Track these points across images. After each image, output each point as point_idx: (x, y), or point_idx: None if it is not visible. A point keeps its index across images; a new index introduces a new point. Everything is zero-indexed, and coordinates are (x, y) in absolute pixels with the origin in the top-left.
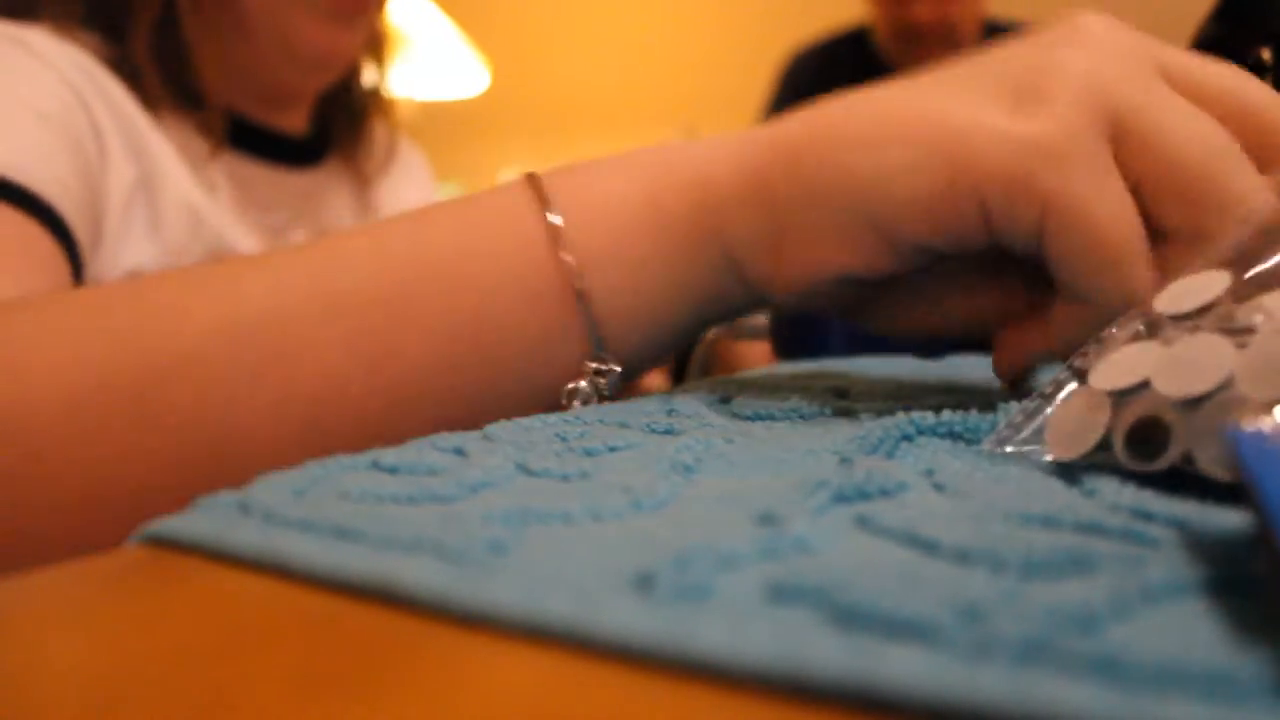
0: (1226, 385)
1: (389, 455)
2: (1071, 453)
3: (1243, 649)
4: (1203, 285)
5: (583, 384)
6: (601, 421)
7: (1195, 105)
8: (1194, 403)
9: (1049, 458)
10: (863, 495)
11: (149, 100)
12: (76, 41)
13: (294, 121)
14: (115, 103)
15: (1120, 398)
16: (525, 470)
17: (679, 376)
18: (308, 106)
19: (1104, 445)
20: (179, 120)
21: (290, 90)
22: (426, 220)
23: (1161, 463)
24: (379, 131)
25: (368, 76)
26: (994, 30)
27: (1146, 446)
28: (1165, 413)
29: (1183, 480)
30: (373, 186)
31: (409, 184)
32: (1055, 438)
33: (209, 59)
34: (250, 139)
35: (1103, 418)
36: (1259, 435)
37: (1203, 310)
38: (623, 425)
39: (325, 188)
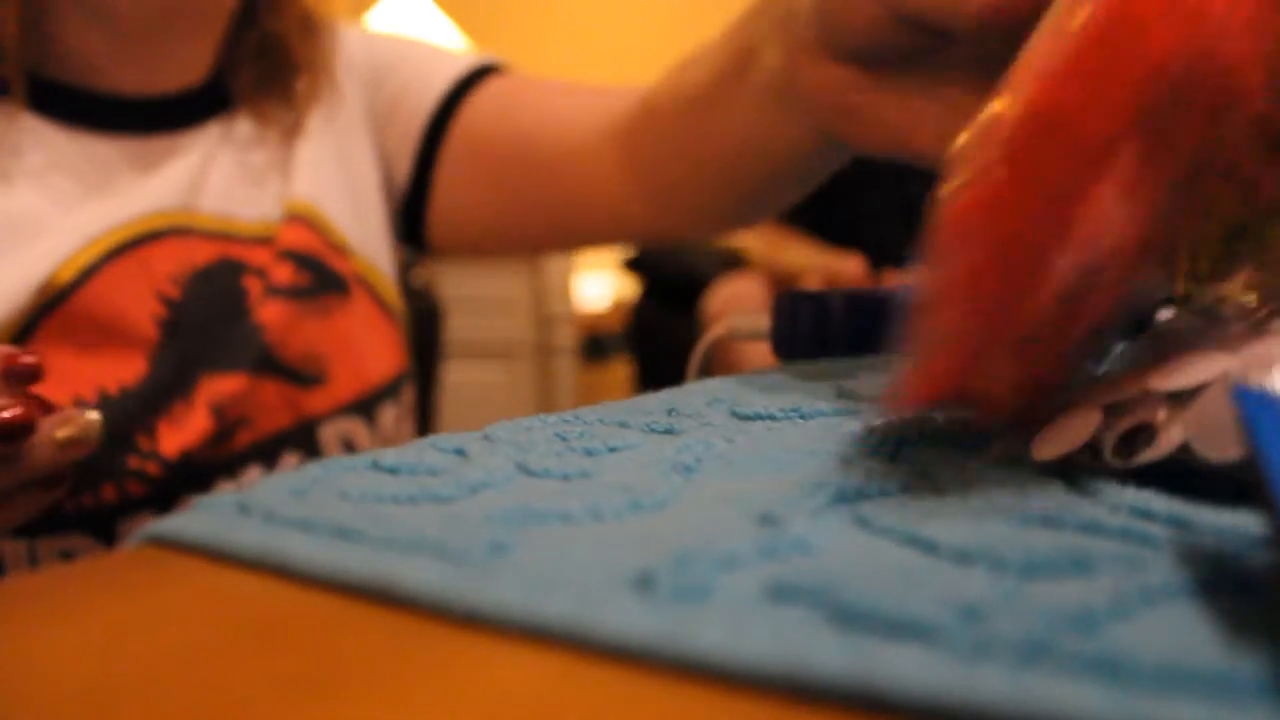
0: (1220, 380)
1: (389, 455)
2: (1055, 451)
3: (1242, 649)
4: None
5: None
6: (601, 421)
7: None
8: (1188, 395)
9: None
10: (862, 495)
11: None
12: None
13: (159, 78)
14: None
15: (1113, 408)
16: (525, 470)
17: (679, 377)
18: (194, 51)
19: (1093, 451)
20: None
21: (147, 29)
22: None
23: (1154, 453)
24: (300, 79)
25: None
26: None
27: (1135, 448)
28: (1157, 414)
29: (1183, 480)
30: (297, 140)
31: (343, 120)
32: (1041, 439)
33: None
34: (70, 104)
35: (1093, 421)
36: (1265, 396)
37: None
38: (623, 425)
39: (187, 149)
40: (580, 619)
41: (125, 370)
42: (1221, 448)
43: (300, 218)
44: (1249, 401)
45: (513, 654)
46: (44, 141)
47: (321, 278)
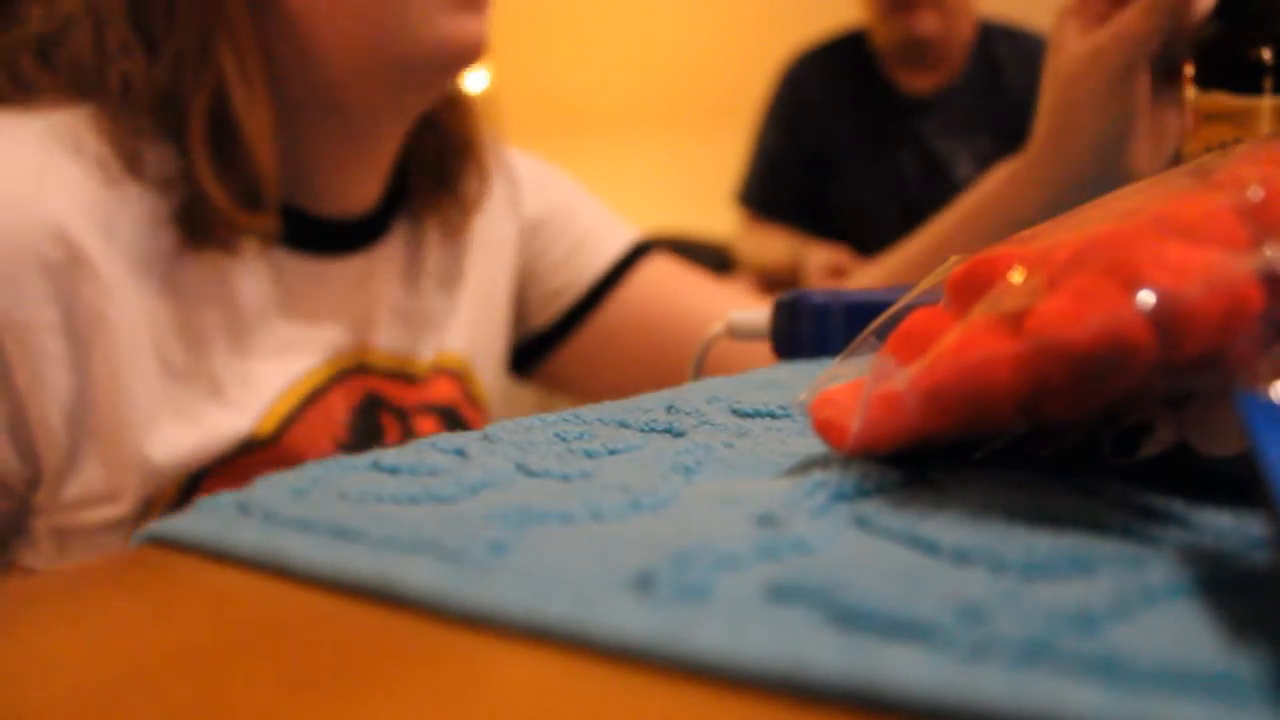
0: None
1: (389, 456)
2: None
3: (1242, 649)
4: None
5: None
6: (601, 421)
7: None
8: (1187, 398)
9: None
10: (862, 495)
11: (202, 223)
12: (108, 178)
13: (362, 194)
14: (72, 285)
15: (1112, 408)
16: (525, 470)
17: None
18: (387, 164)
19: (1093, 450)
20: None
21: (383, 124)
22: None
23: (1153, 448)
24: (471, 180)
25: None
26: (990, 32)
27: (1134, 446)
28: (1156, 415)
29: (1182, 480)
30: (458, 240)
31: (492, 226)
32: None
33: (266, 141)
34: (296, 231)
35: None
36: (1266, 400)
37: None
38: (622, 425)
39: (375, 268)
40: (580, 619)
41: None
42: (1220, 445)
43: (451, 371)
44: (1250, 405)
45: (513, 654)
46: (267, 269)
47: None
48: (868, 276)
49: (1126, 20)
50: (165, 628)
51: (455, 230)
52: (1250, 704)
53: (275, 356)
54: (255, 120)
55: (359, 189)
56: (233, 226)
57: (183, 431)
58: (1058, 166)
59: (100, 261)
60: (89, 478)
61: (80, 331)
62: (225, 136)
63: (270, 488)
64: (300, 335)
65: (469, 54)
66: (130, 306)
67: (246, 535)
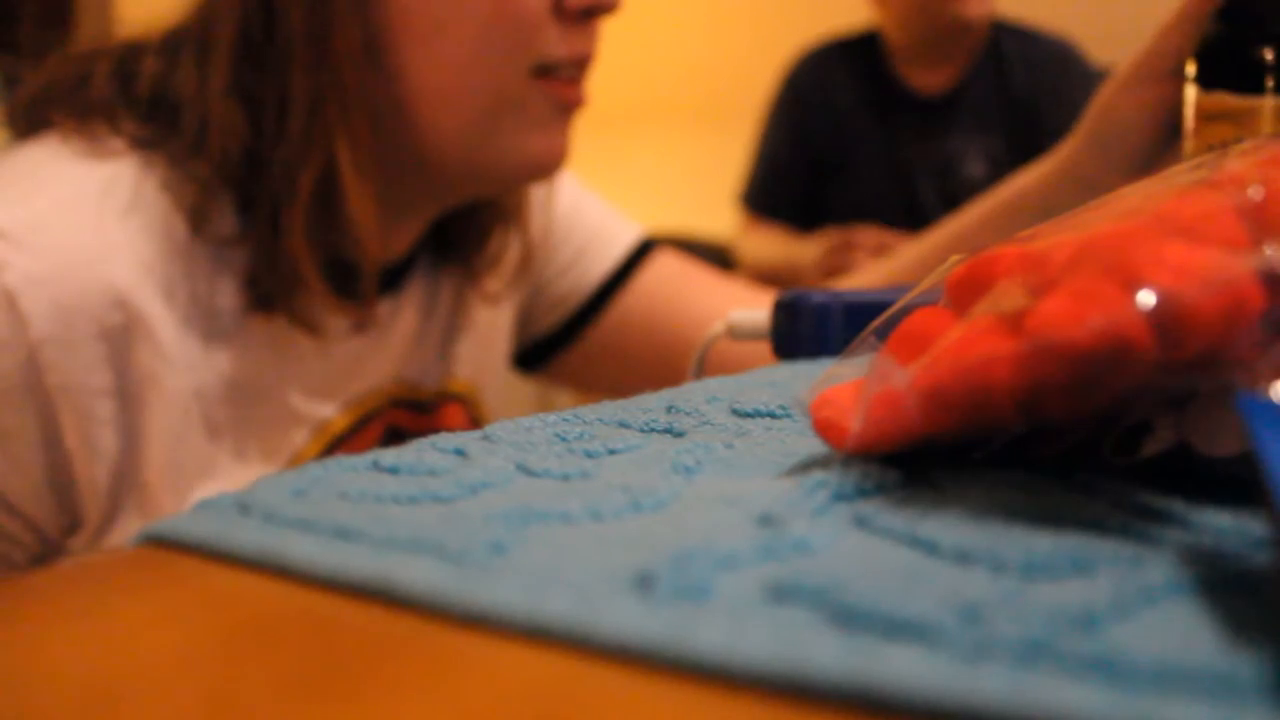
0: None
1: (389, 456)
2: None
3: (1243, 649)
4: None
5: None
6: (601, 421)
7: None
8: (1187, 398)
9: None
10: (862, 495)
11: (281, 297)
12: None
13: (401, 245)
14: (128, 349)
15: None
16: (525, 470)
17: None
18: (431, 220)
19: (1093, 450)
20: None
21: (450, 196)
22: None
23: (1151, 448)
24: (511, 243)
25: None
26: (1001, 30)
27: (1135, 445)
28: (1156, 415)
29: (1183, 480)
30: (475, 300)
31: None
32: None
33: (373, 224)
34: (339, 281)
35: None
36: (1266, 400)
37: None
38: (622, 425)
39: (400, 309)
40: (580, 619)
41: None
42: (1220, 445)
43: (460, 398)
44: (1250, 405)
45: (513, 654)
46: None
47: None
48: (885, 267)
49: (1162, 25)
50: (166, 627)
51: (492, 299)
52: (1250, 704)
53: (307, 406)
54: (363, 200)
55: (400, 241)
56: (321, 306)
57: (215, 491)
58: (1095, 164)
59: (158, 324)
60: (128, 530)
61: (132, 394)
62: (327, 212)
63: (270, 488)
64: (329, 383)
65: (551, 170)
66: (183, 369)
67: (247, 535)
